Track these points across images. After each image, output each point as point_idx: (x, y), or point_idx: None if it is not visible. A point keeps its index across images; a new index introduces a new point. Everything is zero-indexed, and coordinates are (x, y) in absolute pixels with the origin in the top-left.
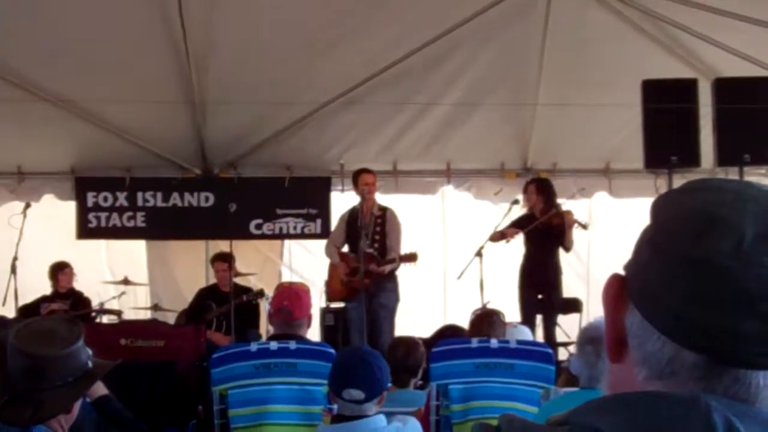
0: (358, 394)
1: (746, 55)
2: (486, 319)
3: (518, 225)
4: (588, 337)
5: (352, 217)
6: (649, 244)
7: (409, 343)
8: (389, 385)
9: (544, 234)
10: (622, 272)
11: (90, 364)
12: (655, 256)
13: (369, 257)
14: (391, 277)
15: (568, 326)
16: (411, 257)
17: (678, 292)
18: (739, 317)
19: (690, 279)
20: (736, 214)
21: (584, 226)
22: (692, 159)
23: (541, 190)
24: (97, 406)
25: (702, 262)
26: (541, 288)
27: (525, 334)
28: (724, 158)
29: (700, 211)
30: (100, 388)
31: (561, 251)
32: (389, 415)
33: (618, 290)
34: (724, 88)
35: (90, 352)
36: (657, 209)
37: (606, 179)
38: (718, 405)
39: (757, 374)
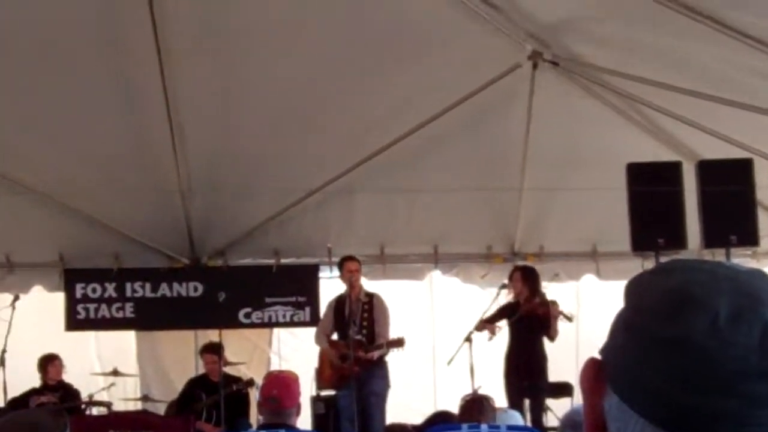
0: None
1: (728, 137)
2: (476, 405)
3: (503, 314)
4: (570, 423)
5: (339, 304)
6: (624, 325)
7: (402, 430)
8: None
9: (528, 323)
10: (598, 356)
11: None
12: (631, 338)
13: (357, 344)
14: (381, 363)
15: (560, 410)
16: (398, 342)
17: (655, 373)
18: (718, 397)
19: (666, 359)
20: (711, 293)
21: (569, 318)
22: (679, 241)
23: (526, 278)
24: None
25: (678, 341)
26: (526, 375)
27: (515, 419)
28: (710, 240)
29: (674, 291)
30: None
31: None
32: None
33: (595, 374)
34: (708, 170)
35: None
36: (631, 290)
37: (593, 262)
38: None
39: None
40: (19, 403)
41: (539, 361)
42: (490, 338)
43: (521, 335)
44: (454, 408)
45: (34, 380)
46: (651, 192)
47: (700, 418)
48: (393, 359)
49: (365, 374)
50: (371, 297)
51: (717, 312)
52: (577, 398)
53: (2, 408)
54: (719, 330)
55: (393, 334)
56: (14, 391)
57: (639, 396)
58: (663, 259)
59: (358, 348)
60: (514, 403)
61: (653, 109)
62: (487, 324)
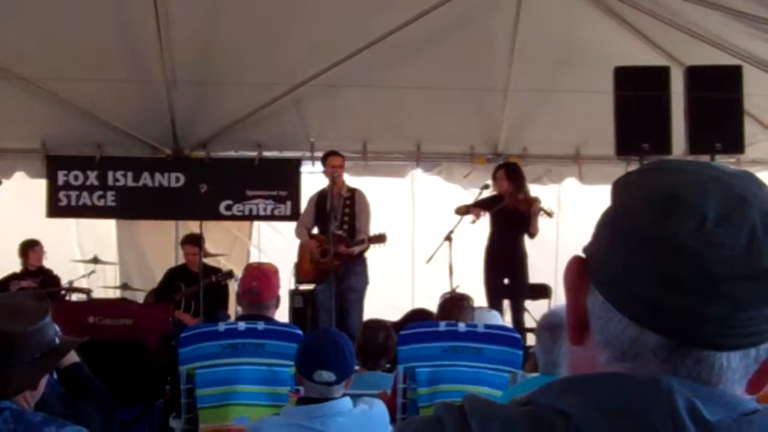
0: (329, 376)
1: (718, 42)
2: (455, 303)
3: (485, 205)
4: (546, 325)
5: (321, 199)
6: (609, 225)
7: (380, 326)
8: (357, 368)
9: (510, 218)
10: (582, 254)
11: (57, 340)
12: (617, 238)
13: (338, 238)
14: (361, 259)
15: (538, 312)
16: (380, 238)
17: (640, 273)
18: (703, 299)
19: (652, 260)
20: (698, 194)
21: (549, 214)
22: (663, 146)
23: (511, 175)
24: (68, 373)
25: (664, 243)
26: (506, 272)
27: (495, 318)
28: (695, 146)
29: (661, 192)
30: (71, 356)
31: (527, 236)
32: (355, 398)
33: (579, 272)
34: (696, 76)
35: (57, 328)
36: (618, 190)
37: (576, 165)
38: (681, 387)
39: (721, 356)
40: (0, 286)
41: (520, 258)
42: (474, 221)
43: (502, 229)
44: (432, 306)
45: (15, 265)
46: (637, 96)
47: (685, 319)
48: (372, 256)
49: (344, 269)
50: (353, 192)
51: (704, 214)
52: (555, 300)
53: None
54: (706, 232)
55: (373, 230)
56: None
57: (623, 295)
58: None
59: (338, 243)
60: (494, 302)
61: (643, 12)
62: (472, 208)
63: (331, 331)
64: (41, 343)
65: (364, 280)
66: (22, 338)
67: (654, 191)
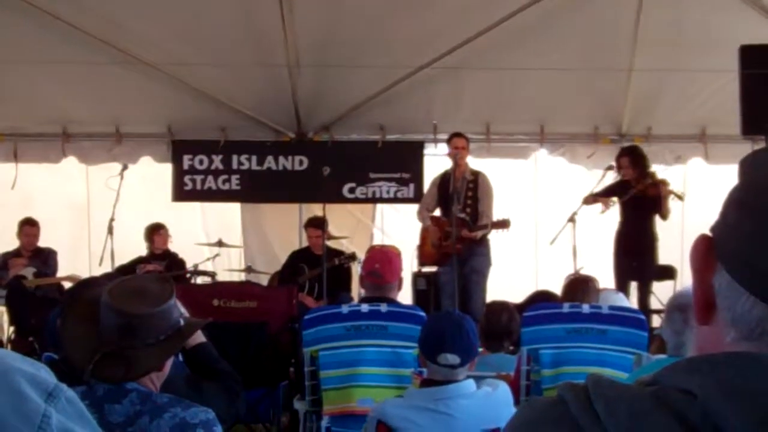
0: (454, 358)
1: None
2: (580, 285)
3: (613, 192)
4: (677, 305)
5: (444, 181)
6: (737, 203)
7: (503, 307)
8: (480, 349)
9: (640, 202)
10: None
11: (182, 322)
12: (744, 216)
13: (461, 222)
14: (484, 242)
15: (663, 294)
16: (503, 224)
17: (767, 250)
18: None
19: None
20: None
21: (680, 197)
22: None
23: (634, 161)
24: (194, 354)
25: None
26: (635, 255)
27: (620, 300)
28: None
29: None
30: (198, 336)
31: (657, 218)
32: (479, 380)
33: (706, 251)
34: None
35: (182, 310)
36: (746, 168)
37: (701, 145)
38: None
39: None
40: (127, 270)
41: (650, 241)
42: (603, 211)
43: (632, 215)
44: (555, 289)
45: (141, 249)
46: (764, 75)
47: None
48: (495, 238)
49: (467, 252)
50: (476, 175)
51: None
52: (681, 282)
53: (111, 275)
54: None
55: (496, 213)
56: (121, 259)
57: (749, 273)
58: None
59: (461, 226)
60: (622, 284)
61: None
62: (600, 197)
63: (454, 313)
64: (166, 324)
65: (486, 262)
66: (148, 320)
67: None
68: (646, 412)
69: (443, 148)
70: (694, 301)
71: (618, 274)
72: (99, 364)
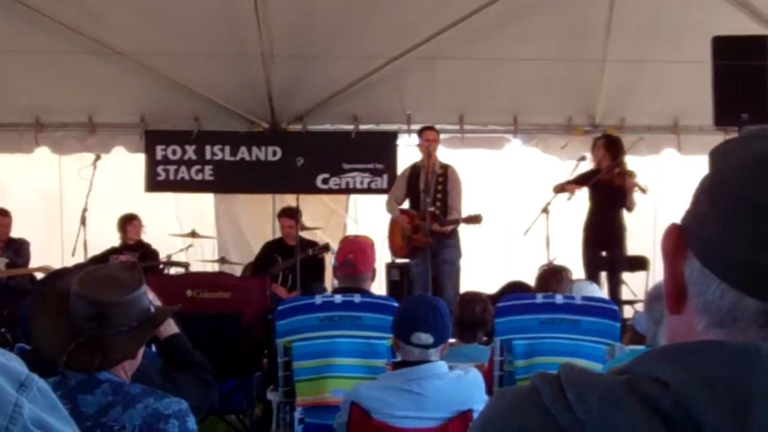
0: (427, 338)
1: None
2: (554, 276)
3: (582, 180)
4: (657, 295)
5: (413, 173)
6: (708, 191)
7: (477, 298)
8: (453, 340)
9: (608, 192)
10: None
11: (152, 309)
12: (715, 203)
13: (430, 215)
14: (454, 233)
15: (635, 284)
16: (475, 219)
17: (739, 238)
18: None
19: (752, 224)
20: None
21: (644, 190)
22: (762, 116)
23: (610, 146)
24: (167, 344)
25: (760, 205)
26: (604, 244)
27: (593, 290)
28: None
29: (759, 156)
30: (171, 327)
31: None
32: (452, 368)
33: (676, 239)
34: None
35: (151, 297)
36: (716, 157)
37: (674, 136)
38: None
39: None
40: (99, 261)
41: (618, 231)
42: (569, 198)
43: (600, 204)
44: (529, 279)
45: (114, 240)
46: (736, 66)
47: None
48: (467, 230)
49: (436, 244)
50: (446, 169)
51: None
52: (653, 272)
53: (83, 265)
54: None
55: (470, 204)
56: (94, 250)
57: (720, 260)
58: None
59: (432, 220)
60: (591, 274)
61: None
62: (567, 185)
63: (427, 296)
64: (138, 312)
65: (456, 253)
66: (120, 307)
67: (754, 156)
68: (618, 400)
69: (416, 138)
70: (665, 290)
71: (587, 264)
72: (73, 353)
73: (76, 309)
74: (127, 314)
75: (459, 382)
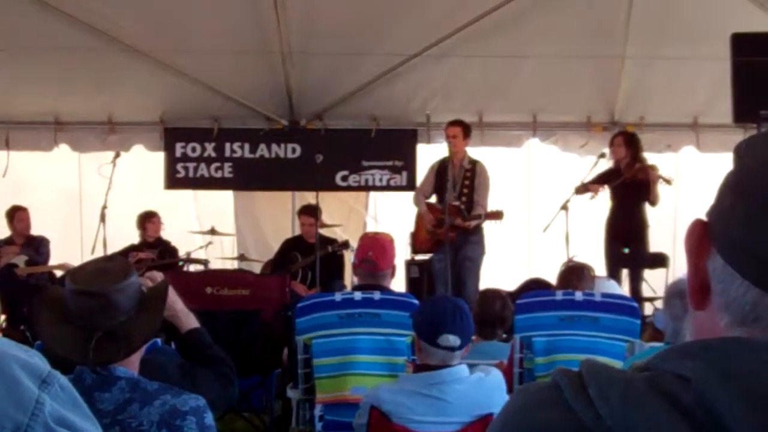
0: (455, 340)
1: None
2: (575, 273)
3: (603, 179)
4: (676, 291)
5: (442, 168)
6: (732, 187)
7: (496, 295)
8: (473, 337)
9: (630, 188)
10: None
11: (145, 290)
12: (739, 200)
13: (455, 210)
14: (477, 230)
15: (655, 281)
16: (497, 215)
17: (762, 235)
18: None
19: None
20: None
21: (668, 182)
22: None
23: (629, 143)
24: (187, 339)
25: None
26: (626, 241)
27: (613, 288)
28: None
29: None
30: (191, 321)
31: (647, 205)
32: (472, 367)
33: (700, 235)
34: None
35: (140, 280)
36: (741, 153)
37: (693, 133)
38: None
39: None
40: None
41: (640, 227)
42: (593, 197)
43: (623, 201)
44: (547, 276)
45: (134, 237)
46: (755, 63)
47: None
48: (488, 226)
49: (460, 239)
50: (474, 164)
51: None
52: (673, 270)
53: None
54: None
55: (490, 202)
56: (114, 247)
57: (743, 257)
58: None
59: (455, 214)
60: (613, 271)
61: None
62: (590, 185)
63: (450, 297)
64: (137, 294)
65: (480, 250)
66: (122, 293)
67: None
68: (639, 396)
69: (436, 137)
70: (689, 286)
71: (609, 261)
72: (96, 350)
73: (80, 307)
74: (130, 298)
75: (480, 385)
